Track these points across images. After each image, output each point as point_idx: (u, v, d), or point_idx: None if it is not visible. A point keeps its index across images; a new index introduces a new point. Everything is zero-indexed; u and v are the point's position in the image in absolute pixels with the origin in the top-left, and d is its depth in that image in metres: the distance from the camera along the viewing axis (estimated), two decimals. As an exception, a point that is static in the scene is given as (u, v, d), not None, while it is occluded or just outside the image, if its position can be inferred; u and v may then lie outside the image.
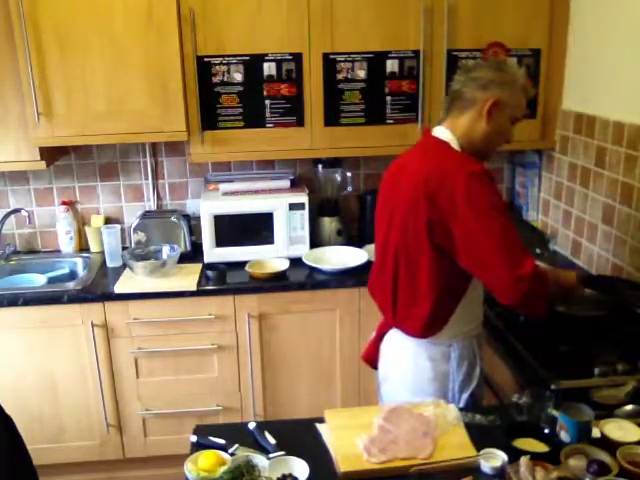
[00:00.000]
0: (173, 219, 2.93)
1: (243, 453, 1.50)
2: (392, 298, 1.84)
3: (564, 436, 1.50)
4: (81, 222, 3.09)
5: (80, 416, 2.73)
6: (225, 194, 2.82)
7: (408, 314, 1.80)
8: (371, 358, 2.02)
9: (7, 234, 3.07)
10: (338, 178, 3.00)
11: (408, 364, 1.85)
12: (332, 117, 2.72)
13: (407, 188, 1.74)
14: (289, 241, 2.82)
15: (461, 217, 1.61)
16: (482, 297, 1.87)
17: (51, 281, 2.86)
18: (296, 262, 2.76)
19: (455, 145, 1.74)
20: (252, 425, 1.64)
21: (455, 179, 1.62)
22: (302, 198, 2.79)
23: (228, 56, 2.62)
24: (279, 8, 2.57)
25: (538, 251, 2.82)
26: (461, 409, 1.67)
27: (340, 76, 2.67)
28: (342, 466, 1.46)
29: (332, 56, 2.65)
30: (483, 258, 1.63)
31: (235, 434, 1.59)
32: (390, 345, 1.93)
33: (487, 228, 1.60)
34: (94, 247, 3.04)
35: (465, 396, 1.84)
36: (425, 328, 1.78)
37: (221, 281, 2.65)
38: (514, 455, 1.43)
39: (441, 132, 1.78)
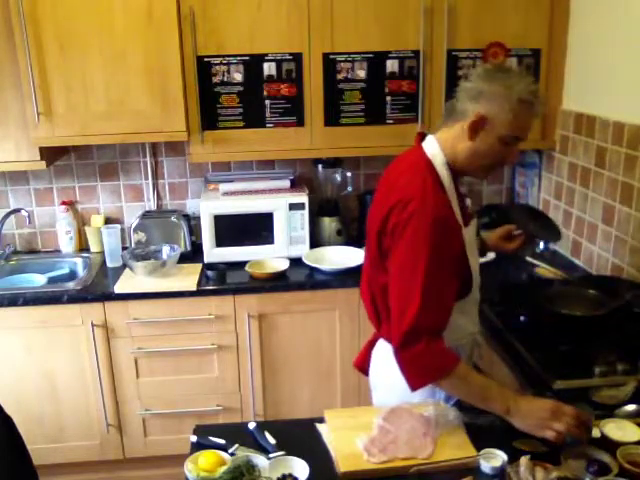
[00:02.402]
0: (173, 219, 2.93)
1: (243, 453, 1.50)
2: (372, 307, 1.81)
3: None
4: (81, 222, 3.09)
5: (80, 416, 2.73)
6: (225, 194, 2.82)
7: (387, 324, 1.74)
8: (362, 365, 1.98)
9: (7, 234, 3.07)
10: (338, 178, 3.00)
11: (396, 373, 1.80)
12: (332, 117, 2.72)
13: (379, 210, 1.67)
14: (289, 241, 2.82)
15: (395, 239, 1.58)
16: (474, 312, 1.81)
17: (51, 281, 2.86)
18: (296, 262, 2.76)
19: (439, 162, 1.64)
20: (252, 425, 1.64)
21: (409, 203, 1.54)
22: (302, 198, 2.79)
23: (228, 56, 2.62)
24: (279, 8, 2.57)
25: (542, 246, 2.81)
26: (461, 409, 1.67)
27: (340, 76, 2.68)
28: (342, 466, 1.46)
29: (332, 56, 2.65)
30: (390, 288, 1.61)
31: (235, 434, 1.59)
32: (380, 353, 1.88)
33: (403, 265, 1.56)
34: (94, 247, 3.04)
35: (451, 404, 1.81)
36: None
37: (221, 281, 2.65)
38: (514, 455, 1.43)
39: (430, 145, 1.67)
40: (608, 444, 1.46)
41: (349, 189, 3.00)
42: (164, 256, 2.80)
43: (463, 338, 1.82)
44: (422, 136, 1.76)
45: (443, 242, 1.54)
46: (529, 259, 2.75)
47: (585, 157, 2.59)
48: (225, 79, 2.65)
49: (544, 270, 2.63)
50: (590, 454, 1.44)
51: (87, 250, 3.06)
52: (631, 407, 1.64)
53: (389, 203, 1.60)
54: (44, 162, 2.68)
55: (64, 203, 3.03)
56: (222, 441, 1.56)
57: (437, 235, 1.52)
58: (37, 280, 2.88)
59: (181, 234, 2.92)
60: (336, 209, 3.01)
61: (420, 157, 1.67)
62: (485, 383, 1.60)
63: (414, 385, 1.60)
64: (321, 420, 1.65)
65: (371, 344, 1.94)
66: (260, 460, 1.46)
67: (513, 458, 1.42)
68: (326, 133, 2.74)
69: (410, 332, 1.52)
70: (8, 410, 1.80)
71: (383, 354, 1.86)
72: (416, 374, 1.59)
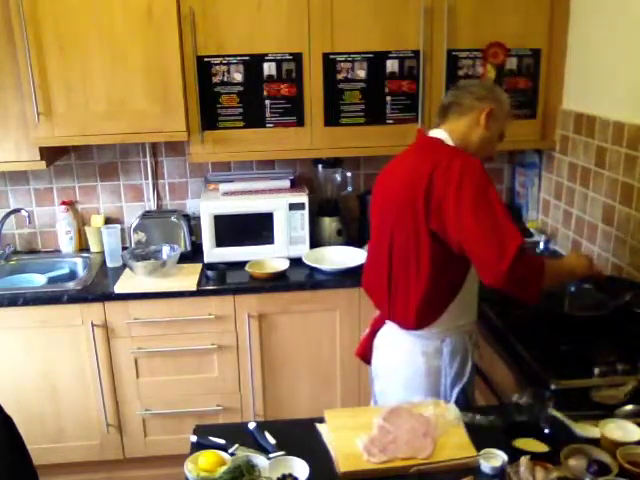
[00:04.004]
0: (173, 219, 2.93)
1: (243, 453, 1.50)
2: (387, 289, 1.85)
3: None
4: (81, 222, 3.09)
5: (80, 416, 2.73)
6: (225, 194, 2.82)
7: (403, 304, 1.82)
8: (365, 353, 2.04)
9: (7, 234, 3.07)
10: (338, 178, 3.00)
11: (401, 359, 1.87)
12: (332, 117, 2.72)
13: (404, 180, 1.77)
14: (289, 241, 2.82)
15: (453, 193, 1.64)
16: (477, 293, 1.89)
17: (51, 281, 2.86)
18: (296, 262, 2.76)
19: (450, 143, 1.80)
20: (252, 425, 1.64)
21: (452, 162, 1.68)
22: (302, 198, 2.79)
23: (228, 56, 2.62)
24: (279, 8, 2.57)
25: (542, 246, 2.83)
26: (461, 409, 1.67)
27: (340, 76, 2.67)
28: (342, 466, 1.46)
29: (332, 56, 2.65)
30: (470, 235, 1.64)
31: (235, 434, 1.59)
32: (383, 340, 1.95)
33: (477, 205, 1.63)
34: (94, 247, 3.04)
35: (456, 390, 1.86)
36: (418, 318, 1.79)
37: (221, 281, 2.65)
38: (514, 455, 1.43)
39: (436, 133, 1.84)
40: (608, 444, 1.46)
41: (349, 189, 3.00)
42: (164, 256, 2.80)
43: (473, 323, 1.89)
44: (422, 132, 1.89)
45: (493, 185, 1.70)
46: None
47: (585, 157, 2.59)
48: (225, 79, 2.65)
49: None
50: (590, 454, 1.44)
51: (87, 250, 3.06)
52: (631, 407, 1.64)
53: (425, 171, 1.70)
54: (44, 162, 2.68)
55: (64, 203, 3.03)
56: (222, 441, 1.56)
57: (487, 176, 1.68)
58: (37, 280, 2.88)
59: (181, 234, 2.92)
60: (336, 209, 3.01)
61: (432, 139, 1.82)
62: (554, 264, 1.84)
63: (533, 298, 1.69)
64: (321, 420, 1.66)
65: (373, 333, 1.99)
66: (260, 460, 1.47)
67: (513, 458, 1.42)
68: (326, 133, 2.74)
69: (516, 256, 1.59)
70: (8, 410, 1.80)
71: (388, 340, 1.90)
72: (529, 288, 1.66)
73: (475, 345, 1.95)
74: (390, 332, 1.91)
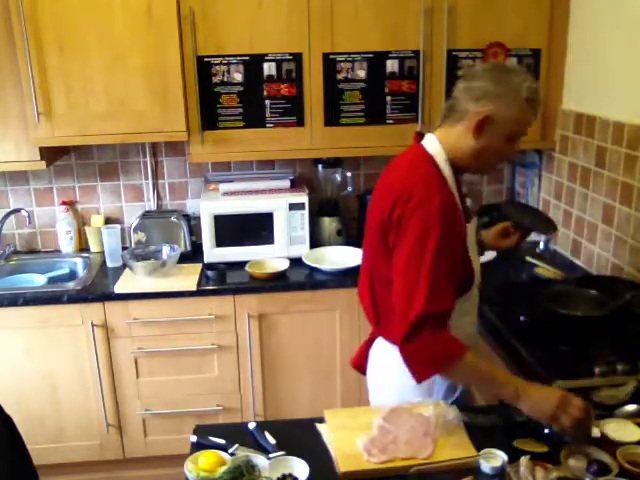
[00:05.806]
0: (173, 219, 2.93)
1: (243, 453, 1.50)
2: (372, 307, 1.81)
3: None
4: (81, 222, 3.09)
5: (80, 416, 2.73)
6: (225, 194, 2.82)
7: (388, 323, 1.75)
8: (360, 364, 1.97)
9: (7, 234, 3.07)
10: (338, 178, 3.00)
11: (393, 372, 1.80)
12: (332, 117, 2.72)
13: (380, 206, 1.69)
14: (289, 241, 2.82)
15: (401, 233, 1.57)
16: (473, 313, 1.82)
17: (51, 281, 2.86)
18: (296, 262, 2.76)
19: (441, 159, 1.65)
20: (252, 425, 1.64)
21: (412, 197, 1.55)
22: (302, 198, 2.79)
23: (228, 56, 2.62)
24: (279, 8, 2.57)
25: (542, 246, 2.82)
26: (461, 409, 1.67)
27: (340, 76, 2.68)
28: (342, 466, 1.46)
29: (332, 56, 2.65)
30: (395, 279, 1.58)
31: (235, 434, 1.59)
32: (377, 352, 1.88)
33: (410, 252, 1.54)
34: (94, 247, 3.04)
35: (450, 402, 1.81)
36: (404, 339, 1.70)
37: (221, 281, 2.65)
38: (514, 455, 1.43)
39: (430, 142, 1.68)
40: (608, 444, 1.46)
41: (349, 189, 3.00)
42: (164, 256, 2.80)
43: (461, 339, 1.82)
44: (420, 135, 1.76)
45: (449, 229, 1.54)
46: (529, 259, 2.75)
47: (585, 157, 2.59)
48: (225, 79, 2.65)
49: (544, 270, 2.63)
50: (590, 454, 1.44)
51: (87, 250, 3.06)
52: (631, 407, 1.64)
53: (391, 196, 1.60)
54: (44, 162, 2.68)
55: (64, 203, 3.03)
56: (222, 441, 1.56)
57: (443, 222, 1.53)
58: (37, 280, 2.88)
59: (181, 234, 2.92)
60: (336, 209, 3.01)
61: (421, 153, 1.68)
62: (493, 369, 1.60)
63: (420, 376, 1.57)
64: (321, 420, 1.65)
65: (368, 343, 1.95)
66: (260, 460, 1.46)
67: (513, 458, 1.42)
68: (326, 133, 2.74)
69: (417, 322, 1.50)
70: (8, 410, 1.80)
71: (380, 353, 1.87)
72: (421, 364, 1.56)
73: (475, 346, 1.93)
74: (383, 345, 1.84)
